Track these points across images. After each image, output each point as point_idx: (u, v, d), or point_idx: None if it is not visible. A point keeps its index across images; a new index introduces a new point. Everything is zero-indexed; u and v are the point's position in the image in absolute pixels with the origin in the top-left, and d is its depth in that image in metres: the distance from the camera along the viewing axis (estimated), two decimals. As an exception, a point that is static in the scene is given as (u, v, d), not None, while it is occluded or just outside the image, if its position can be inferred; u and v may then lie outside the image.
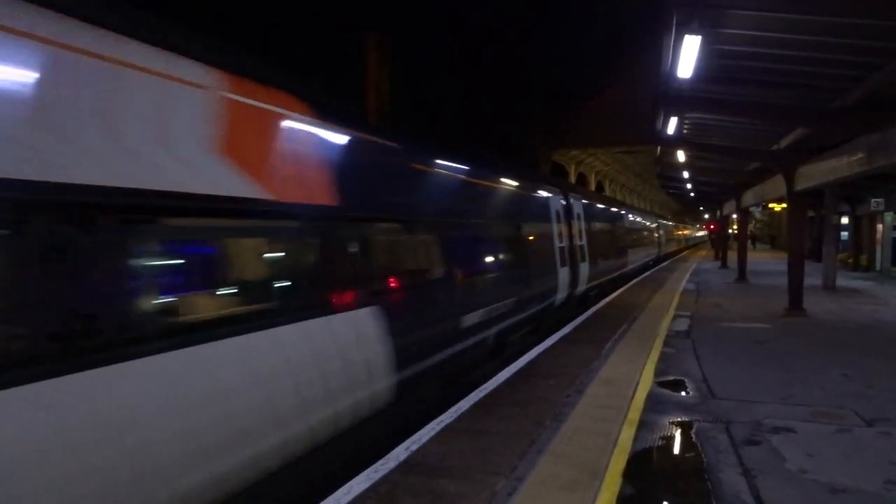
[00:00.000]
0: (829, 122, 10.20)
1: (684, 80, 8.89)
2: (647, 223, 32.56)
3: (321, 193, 4.97)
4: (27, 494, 2.57)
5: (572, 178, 41.92)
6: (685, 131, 14.92)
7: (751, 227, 42.37)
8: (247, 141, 4.25)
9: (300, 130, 4.89)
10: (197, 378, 3.45)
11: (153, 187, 3.34)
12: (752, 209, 27.99)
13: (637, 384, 6.90)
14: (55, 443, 2.69)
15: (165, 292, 3.53)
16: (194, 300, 3.79)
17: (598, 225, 17.76)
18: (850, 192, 22.98)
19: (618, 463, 4.56)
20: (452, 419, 5.60)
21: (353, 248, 5.42)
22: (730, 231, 35.62)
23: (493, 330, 8.48)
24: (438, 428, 5.34)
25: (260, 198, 4.21)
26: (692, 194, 37.01)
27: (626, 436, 5.16)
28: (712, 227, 48.48)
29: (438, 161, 7.78)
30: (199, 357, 3.49)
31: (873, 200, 22.16)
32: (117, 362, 3.01)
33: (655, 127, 12.84)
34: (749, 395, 6.52)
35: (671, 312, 13.10)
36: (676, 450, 5.02)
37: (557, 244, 12.77)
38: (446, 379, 7.19)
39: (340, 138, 5.51)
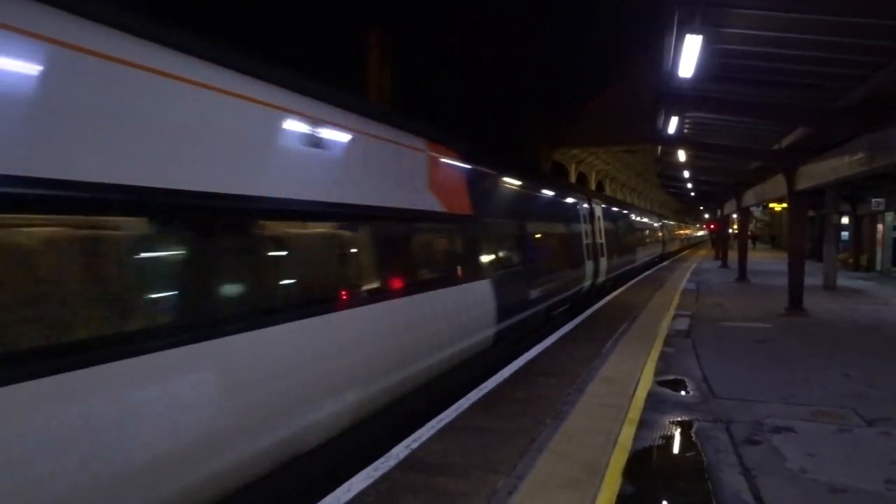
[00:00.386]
0: (831, 122, 10.18)
1: (685, 80, 8.87)
2: (654, 223, 36.14)
3: (468, 207, 8.16)
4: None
5: (572, 177, 41.91)
6: (686, 130, 14.90)
7: (751, 226, 42.48)
8: (436, 179, 7.23)
9: (457, 170, 8.10)
10: (452, 301, 7.01)
11: (416, 207, 6.66)
12: (752, 209, 28.05)
13: (637, 383, 6.90)
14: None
15: (430, 260, 7.26)
16: (435, 263, 7.33)
17: (613, 226, 20.26)
18: (851, 192, 22.96)
19: (618, 461, 4.55)
20: (453, 417, 5.60)
21: (481, 241, 8.57)
22: (730, 231, 35.61)
23: (545, 305, 11.46)
24: (439, 426, 5.34)
25: (442, 211, 7.25)
26: (693, 194, 36.97)
27: (627, 434, 5.16)
28: (712, 226, 49.03)
29: (520, 181, 11.14)
30: (444, 293, 6.87)
31: (874, 200, 22.14)
32: (439, 288, 6.76)
33: (656, 126, 12.81)
34: (749, 394, 6.52)
35: (671, 312, 13.09)
36: (677, 449, 5.02)
37: (584, 242, 15.47)
38: (515, 336, 9.70)
39: (475, 173, 8.68)
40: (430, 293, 6.54)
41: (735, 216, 28.01)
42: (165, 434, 3.19)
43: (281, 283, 4.58)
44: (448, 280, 7.23)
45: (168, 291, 3.52)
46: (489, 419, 5.56)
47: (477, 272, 8.11)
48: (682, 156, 18.69)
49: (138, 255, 3.38)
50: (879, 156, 9.85)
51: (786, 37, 7.60)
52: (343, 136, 5.30)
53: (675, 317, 12.36)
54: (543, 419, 5.55)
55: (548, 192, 13.41)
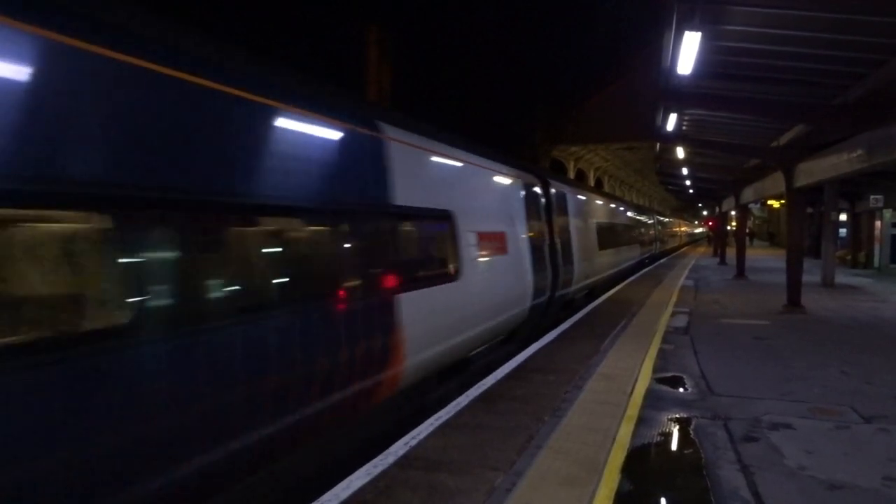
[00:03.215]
0: (830, 119, 10.18)
1: (684, 77, 8.86)
2: (677, 224, 58.78)
3: (629, 220, 25.38)
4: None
5: (571, 174, 41.87)
6: (685, 127, 14.90)
7: (749, 223, 42.84)
8: (637, 220, 28.39)
9: (623, 211, 24.13)
10: (628, 250, 23.90)
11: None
12: (751, 206, 28.23)
13: (636, 380, 6.91)
14: None
15: (640, 238, 28.58)
16: (629, 240, 24.16)
17: (662, 226, 40.10)
18: (850, 189, 22.97)
19: (616, 459, 4.56)
20: (452, 414, 5.61)
21: (639, 229, 28.45)
22: (728, 227, 35.77)
23: (644, 257, 28.85)
24: (438, 423, 5.34)
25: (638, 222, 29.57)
26: (691, 191, 36.99)
27: (625, 432, 5.17)
28: (711, 223, 50.67)
29: (636, 206, 32.40)
30: (634, 245, 25.37)
31: (872, 197, 22.16)
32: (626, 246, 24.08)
33: (655, 123, 12.82)
34: (747, 391, 6.54)
35: (670, 309, 13.11)
36: (675, 446, 5.03)
37: (651, 233, 32.56)
38: (639, 266, 27.49)
39: (629, 207, 27.47)
40: (637, 244, 25.94)
41: (733, 213, 28.07)
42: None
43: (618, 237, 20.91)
44: (633, 242, 24.72)
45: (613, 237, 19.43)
46: (488, 416, 5.57)
47: (632, 241, 24.14)
48: (680, 153, 18.69)
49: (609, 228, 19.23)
50: (878, 153, 9.86)
51: (784, 34, 7.60)
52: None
53: (673, 314, 12.38)
54: (542, 416, 5.56)
55: (645, 213, 32.06)
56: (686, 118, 13.96)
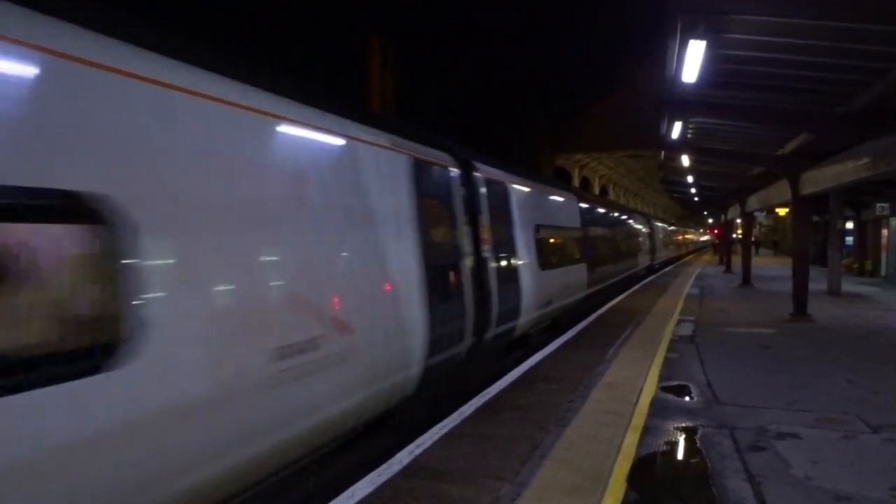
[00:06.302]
0: (835, 128, 10.17)
1: (689, 85, 8.87)
2: (692, 233, 72.14)
3: (669, 232, 46.54)
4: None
5: (576, 182, 41.94)
6: (689, 136, 14.89)
7: (755, 231, 43.11)
8: (672, 232, 50.33)
9: (670, 229, 47.23)
10: (668, 252, 42.63)
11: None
12: (756, 214, 28.25)
13: (641, 389, 6.88)
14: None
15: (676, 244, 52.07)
16: (669, 244, 44.45)
17: (684, 235, 61.11)
18: (855, 197, 22.90)
19: (622, 468, 4.54)
20: (456, 423, 5.59)
21: (672, 237, 49.48)
22: (734, 236, 35.70)
23: (679, 254, 51.48)
24: (442, 433, 5.33)
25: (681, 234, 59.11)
26: (696, 199, 36.96)
27: (630, 441, 5.15)
28: (716, 231, 52.19)
29: (670, 224, 53.86)
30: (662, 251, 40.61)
31: (878, 205, 22.05)
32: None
33: (660, 131, 12.82)
34: (754, 400, 6.50)
35: (675, 317, 13.06)
36: (681, 455, 5.01)
37: (680, 238, 56.00)
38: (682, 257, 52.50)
39: (670, 225, 52.14)
40: (673, 246, 46.37)
41: (739, 221, 28.08)
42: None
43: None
44: (671, 245, 43.58)
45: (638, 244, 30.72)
46: (492, 426, 5.56)
47: (670, 245, 43.10)
48: (685, 161, 18.67)
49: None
50: (882, 162, 9.84)
51: (789, 42, 7.60)
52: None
53: (678, 322, 12.34)
54: (546, 426, 5.54)
55: (675, 227, 53.75)
56: (690, 126, 13.96)
